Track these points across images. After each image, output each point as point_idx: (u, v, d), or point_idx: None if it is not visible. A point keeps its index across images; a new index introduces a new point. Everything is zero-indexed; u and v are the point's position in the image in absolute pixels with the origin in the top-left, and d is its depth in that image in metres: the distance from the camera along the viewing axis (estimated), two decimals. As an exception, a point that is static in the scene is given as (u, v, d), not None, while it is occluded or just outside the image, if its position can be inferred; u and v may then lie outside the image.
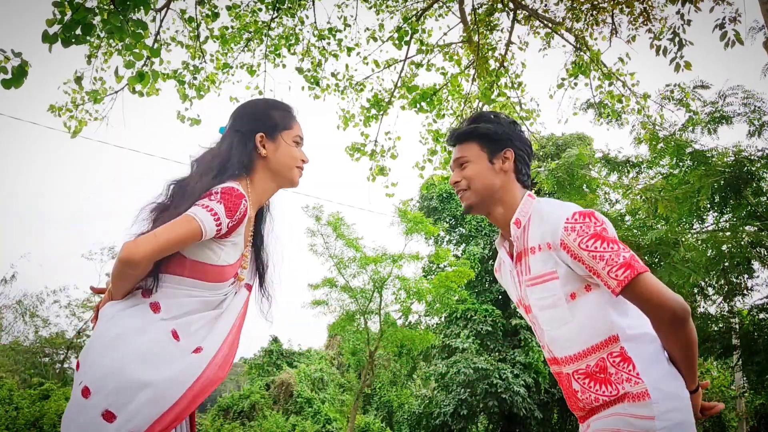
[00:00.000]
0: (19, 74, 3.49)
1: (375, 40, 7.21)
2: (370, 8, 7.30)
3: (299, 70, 7.17)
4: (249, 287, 1.81)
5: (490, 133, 1.73)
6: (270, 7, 6.90)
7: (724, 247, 6.98)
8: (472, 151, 1.74)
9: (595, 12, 6.95)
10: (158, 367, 1.49)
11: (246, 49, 7.23)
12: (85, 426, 1.43)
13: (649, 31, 6.38)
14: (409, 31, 6.78)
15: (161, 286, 1.59)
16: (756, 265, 7.54)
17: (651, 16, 6.49)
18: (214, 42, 6.94)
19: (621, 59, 6.94)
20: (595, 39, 7.07)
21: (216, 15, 6.50)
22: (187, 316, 1.61)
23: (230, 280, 1.70)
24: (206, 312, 1.65)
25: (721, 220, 8.10)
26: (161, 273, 1.60)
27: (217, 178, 1.66)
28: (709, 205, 7.72)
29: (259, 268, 1.85)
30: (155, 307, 1.58)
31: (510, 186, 1.73)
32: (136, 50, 4.23)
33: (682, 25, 5.52)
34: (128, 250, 1.49)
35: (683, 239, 6.97)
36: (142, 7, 3.72)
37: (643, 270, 1.50)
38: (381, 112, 7.37)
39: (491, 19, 7.23)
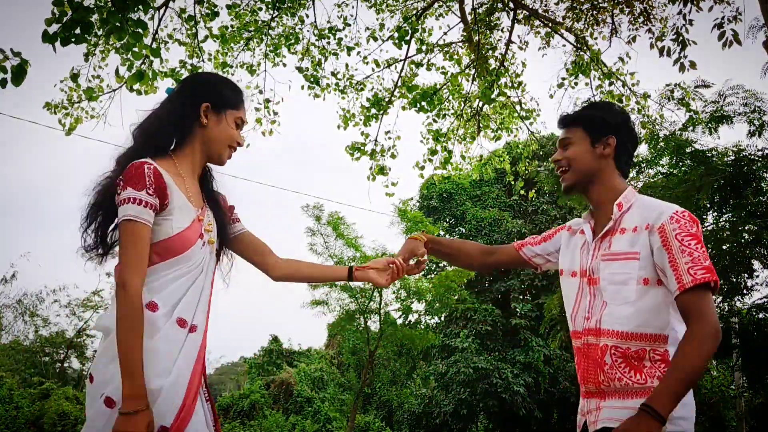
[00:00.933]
0: (19, 73, 3.48)
1: (375, 39, 7.20)
2: (371, 7, 7.30)
3: (299, 69, 7.16)
4: (215, 251, 1.82)
5: (596, 119, 1.83)
6: (270, 6, 6.90)
7: (724, 246, 6.98)
8: (577, 133, 1.85)
9: (595, 12, 6.94)
10: (170, 365, 1.55)
11: (246, 48, 7.22)
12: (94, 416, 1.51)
13: (650, 31, 6.37)
14: (410, 31, 6.78)
15: (145, 285, 1.58)
16: (756, 264, 7.53)
17: (651, 16, 6.48)
18: (214, 41, 6.93)
19: (621, 59, 6.93)
20: (595, 39, 7.07)
21: (215, 14, 6.49)
22: (183, 297, 1.64)
23: (198, 243, 1.69)
24: (195, 285, 1.67)
25: (721, 220, 8.10)
26: None
27: (148, 144, 1.70)
28: (709, 205, 7.72)
29: (219, 230, 1.84)
30: (153, 307, 1.59)
31: (609, 170, 1.82)
32: (136, 49, 4.23)
33: (685, 25, 5.51)
34: (126, 292, 1.52)
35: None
36: (141, 7, 3.72)
37: (715, 283, 1.59)
38: (381, 112, 7.36)
39: (491, 18, 7.22)
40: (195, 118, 1.75)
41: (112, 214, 1.67)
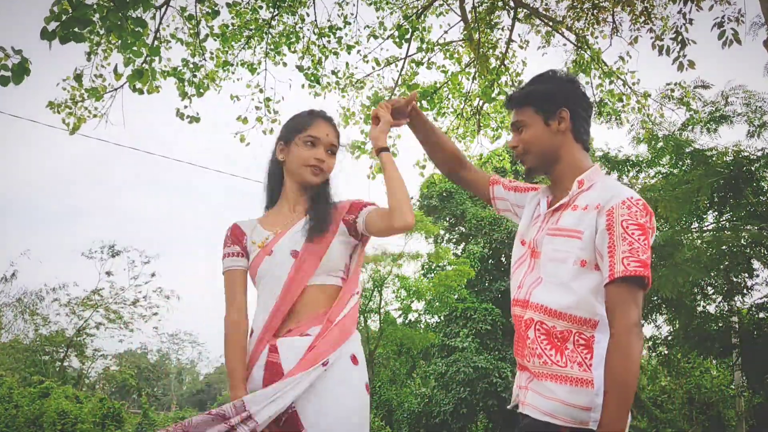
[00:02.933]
0: (20, 72, 3.48)
1: (375, 37, 7.20)
2: (370, 5, 7.29)
3: (300, 68, 7.16)
4: (294, 253, 1.91)
5: (544, 95, 1.73)
6: (270, 4, 6.89)
7: (724, 247, 6.98)
8: (527, 114, 1.75)
9: (595, 11, 6.95)
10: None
11: (246, 46, 7.22)
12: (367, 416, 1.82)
13: (651, 30, 6.37)
14: (410, 29, 6.77)
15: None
16: (756, 264, 7.54)
17: (652, 15, 6.49)
18: (215, 40, 6.93)
19: (621, 58, 6.94)
20: (596, 37, 7.07)
21: (216, 13, 6.49)
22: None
23: (264, 261, 1.94)
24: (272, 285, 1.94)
25: (720, 220, 8.10)
26: None
27: (266, 198, 2.08)
28: (708, 205, 7.72)
29: (313, 226, 1.94)
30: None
31: (568, 145, 1.73)
32: (135, 48, 4.23)
33: (685, 24, 5.52)
34: (228, 326, 1.91)
35: (686, 239, 6.98)
36: (141, 5, 3.72)
37: (647, 279, 1.52)
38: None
39: (492, 17, 7.22)
40: (275, 158, 2.01)
41: None
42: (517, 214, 1.94)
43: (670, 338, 8.93)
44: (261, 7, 6.97)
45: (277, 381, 1.72)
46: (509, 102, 1.81)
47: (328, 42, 7.17)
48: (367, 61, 7.32)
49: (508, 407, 1.78)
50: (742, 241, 7.06)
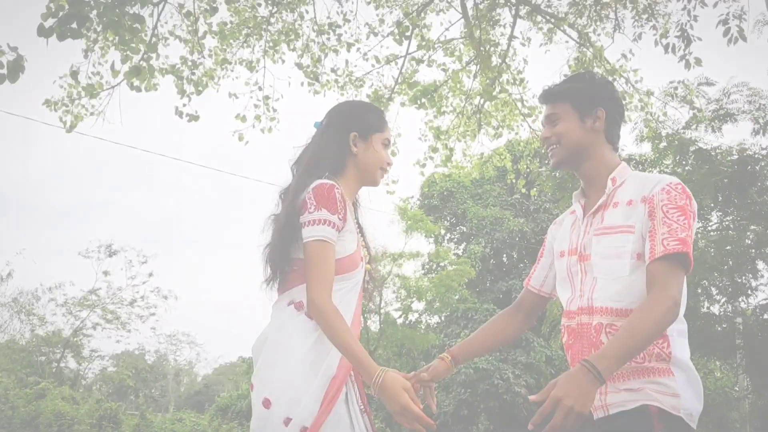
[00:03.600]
0: (15, 69, 3.48)
1: (375, 35, 7.19)
2: (369, 2, 7.28)
3: (299, 65, 7.15)
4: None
5: (583, 93, 1.79)
6: (269, 2, 6.89)
7: (728, 247, 6.98)
8: (564, 109, 1.80)
9: (598, 7, 6.94)
10: (319, 369, 1.65)
11: (245, 44, 7.21)
12: None
13: (654, 27, 6.36)
14: (410, 27, 6.77)
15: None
16: (761, 264, 7.54)
17: (655, 12, 6.48)
18: (213, 37, 6.92)
19: (624, 55, 6.93)
20: (598, 35, 7.06)
21: (214, 9, 6.48)
22: (339, 309, 1.72)
23: (361, 265, 1.84)
24: (351, 302, 1.79)
25: (725, 220, 8.09)
26: (304, 282, 1.72)
27: (313, 176, 1.80)
28: (713, 205, 7.72)
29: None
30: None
31: (600, 144, 1.79)
32: (133, 45, 4.22)
33: (689, 21, 5.51)
34: (316, 307, 1.65)
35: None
36: (138, 2, 3.72)
37: (689, 257, 1.55)
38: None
39: (493, 14, 7.21)
40: (345, 148, 1.87)
41: (287, 248, 1.77)
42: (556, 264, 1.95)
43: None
44: (260, 5, 6.97)
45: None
46: (545, 95, 1.86)
47: (328, 39, 7.16)
48: (367, 59, 7.32)
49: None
50: (747, 242, 7.06)
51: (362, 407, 1.74)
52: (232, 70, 7.17)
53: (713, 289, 8.01)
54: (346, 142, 1.87)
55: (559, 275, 1.84)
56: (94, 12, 3.69)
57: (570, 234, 1.82)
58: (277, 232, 1.80)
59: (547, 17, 7.18)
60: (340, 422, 1.64)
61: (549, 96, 1.84)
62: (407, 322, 18.94)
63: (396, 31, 6.72)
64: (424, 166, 7.71)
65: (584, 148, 1.78)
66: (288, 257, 1.77)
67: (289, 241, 1.76)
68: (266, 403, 1.59)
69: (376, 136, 1.91)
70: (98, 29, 5.46)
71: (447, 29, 7.32)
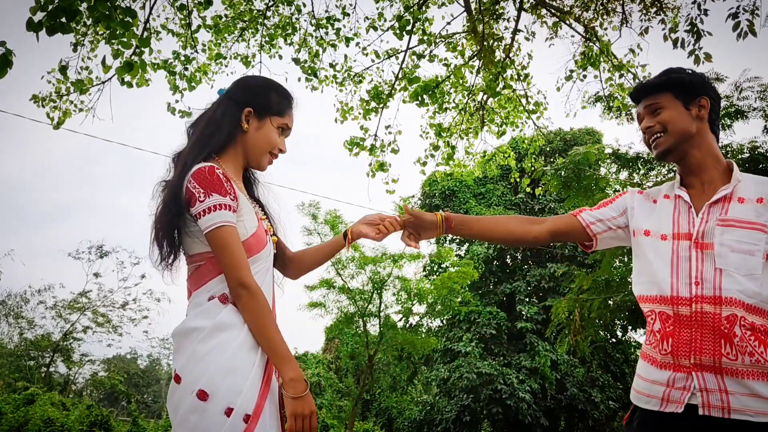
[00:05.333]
0: (3, 64, 3.48)
1: (375, 29, 7.19)
2: (370, -4, 7.28)
3: (296, 60, 7.16)
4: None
5: (684, 82, 1.82)
6: (265, -6, 6.89)
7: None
8: (666, 98, 1.83)
9: (604, 0, 6.94)
10: (255, 357, 1.68)
11: (240, 38, 7.22)
12: (208, 427, 1.60)
13: (662, 21, 6.36)
14: (411, 20, 6.77)
15: (227, 286, 1.71)
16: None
17: (663, 6, 6.48)
18: (207, 31, 6.93)
19: (632, 50, 6.92)
20: (605, 29, 7.06)
21: (209, 3, 6.48)
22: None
23: (268, 240, 1.83)
24: (265, 283, 1.79)
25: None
26: (219, 274, 1.72)
27: (204, 148, 1.80)
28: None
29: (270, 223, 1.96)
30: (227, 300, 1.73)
31: (706, 133, 1.82)
32: (124, 39, 4.23)
33: (699, 15, 5.50)
34: (247, 289, 1.66)
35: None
36: (130, -6, 3.72)
37: None
38: (381, 105, 7.35)
39: (496, 7, 7.21)
40: (237, 122, 1.85)
41: (178, 216, 1.76)
42: (619, 225, 1.96)
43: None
44: (256, -3, 6.97)
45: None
46: (641, 90, 1.88)
47: (326, 34, 7.17)
48: (367, 54, 7.32)
49: (666, 410, 1.67)
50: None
51: (276, 377, 1.78)
52: (226, 66, 7.18)
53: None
54: (239, 117, 1.84)
55: (650, 255, 1.81)
56: (84, 5, 3.69)
57: (674, 217, 1.81)
58: (165, 207, 1.76)
59: (552, 10, 7.18)
60: (273, 402, 1.70)
61: (646, 89, 1.87)
62: (408, 325, 18.94)
63: (396, 25, 6.72)
64: (425, 164, 7.72)
65: (691, 136, 1.80)
66: (173, 237, 1.77)
67: (176, 225, 1.76)
68: (202, 395, 1.59)
69: (273, 119, 1.88)
70: (88, 23, 5.47)
71: (449, 23, 7.33)
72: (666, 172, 9.16)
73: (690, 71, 1.86)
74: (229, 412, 1.57)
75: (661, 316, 1.74)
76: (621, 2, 6.84)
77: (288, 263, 2.07)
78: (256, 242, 1.76)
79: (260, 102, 1.86)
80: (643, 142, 1.95)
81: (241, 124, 1.84)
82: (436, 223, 2.08)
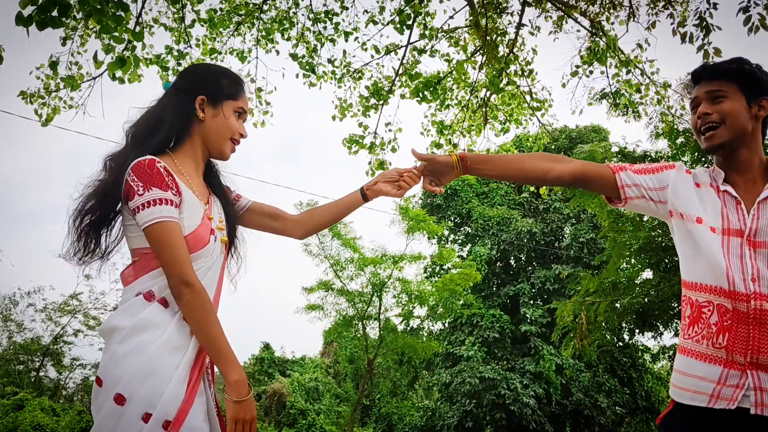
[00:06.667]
0: (-9, 59, 3.48)
1: (375, 23, 7.19)
2: (369, -11, 7.28)
3: (293, 56, 7.15)
4: (227, 247, 1.90)
5: (755, 77, 1.79)
6: (262, -13, 6.89)
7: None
8: (731, 88, 1.80)
9: (611, -6, 6.94)
10: (179, 359, 1.63)
11: (236, 33, 7.22)
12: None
13: (671, 15, 6.36)
14: (412, 14, 6.77)
15: (156, 282, 1.68)
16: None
17: (672, -1, 6.47)
18: (202, 25, 6.93)
19: (639, 45, 6.92)
20: (612, 23, 7.06)
21: (203, -4, 6.49)
22: None
23: (211, 240, 1.77)
24: (205, 283, 1.73)
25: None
26: (150, 271, 1.70)
27: (146, 142, 1.75)
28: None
29: (229, 227, 1.92)
30: (164, 303, 1.69)
31: (758, 134, 1.82)
32: (116, 33, 4.22)
33: (708, 9, 5.50)
34: (189, 287, 1.63)
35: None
36: (123, -13, 3.71)
37: None
38: (381, 102, 7.35)
39: (500, 1, 7.21)
40: (191, 112, 1.81)
41: (108, 216, 1.76)
42: (653, 198, 1.91)
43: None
44: (252, -9, 6.97)
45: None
46: (707, 71, 1.84)
47: (324, 28, 7.16)
48: (366, 49, 7.32)
49: (715, 407, 1.66)
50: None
51: (210, 380, 1.75)
52: (221, 61, 7.17)
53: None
54: (191, 107, 1.81)
55: (704, 244, 1.78)
56: (75, -2, 3.69)
57: (722, 212, 1.80)
58: (100, 199, 1.73)
59: (558, 4, 7.18)
60: (201, 407, 1.64)
61: (713, 73, 1.83)
62: (408, 328, 18.95)
63: (397, 19, 6.72)
64: (426, 162, 7.70)
65: (746, 133, 1.79)
66: (100, 231, 1.77)
67: (108, 219, 1.75)
68: (119, 400, 1.54)
69: (228, 103, 1.85)
70: (79, 17, 5.46)
71: (451, 17, 7.32)
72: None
73: (760, 67, 1.84)
74: (147, 417, 1.53)
75: (719, 308, 1.73)
76: (628, -4, 6.84)
77: (291, 228, 2.06)
78: (193, 242, 1.71)
79: (211, 88, 1.83)
80: (692, 128, 1.90)
81: (197, 114, 1.81)
82: (452, 164, 2.04)
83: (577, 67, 7.24)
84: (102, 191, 1.74)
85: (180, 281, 1.63)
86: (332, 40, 7.21)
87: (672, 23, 6.02)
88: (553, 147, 19.50)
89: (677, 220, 1.85)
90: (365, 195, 2.11)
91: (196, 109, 1.81)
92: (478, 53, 7.43)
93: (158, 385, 1.56)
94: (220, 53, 7.12)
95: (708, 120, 1.81)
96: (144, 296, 1.67)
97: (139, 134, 1.79)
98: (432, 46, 7.18)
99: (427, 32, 7.06)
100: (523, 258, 21.15)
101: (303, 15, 7.20)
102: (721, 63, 1.85)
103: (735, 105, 1.78)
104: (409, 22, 6.83)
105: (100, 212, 1.74)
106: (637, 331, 13.23)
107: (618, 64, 7.09)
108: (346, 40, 7.13)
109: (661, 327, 12.70)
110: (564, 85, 7.44)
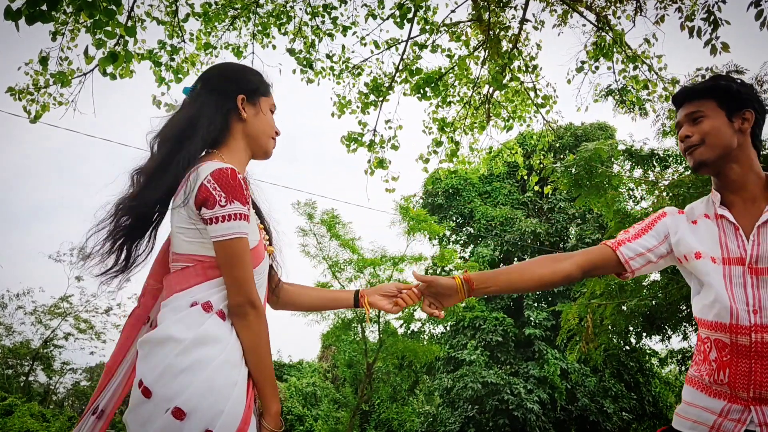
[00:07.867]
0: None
1: (374, 17, 7.18)
2: (369, -18, 7.27)
3: (291, 51, 7.15)
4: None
5: (731, 91, 1.82)
6: (258, -19, 6.88)
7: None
8: (709, 106, 1.83)
9: (618, -12, 6.93)
10: (238, 375, 1.63)
11: (231, 27, 7.21)
12: None
13: (679, 9, 6.36)
14: (412, 8, 6.76)
15: (214, 293, 1.66)
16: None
17: (680, -7, 6.46)
18: (196, 20, 6.92)
19: (647, 40, 6.92)
20: (618, 18, 7.05)
21: (197, -11, 6.48)
22: None
23: (265, 255, 1.81)
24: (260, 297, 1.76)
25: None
26: (208, 280, 1.67)
27: (190, 152, 1.70)
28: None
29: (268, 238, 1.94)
30: (222, 315, 1.67)
31: (747, 148, 1.82)
32: (108, 28, 4.22)
33: (717, 2, 5.50)
34: (255, 310, 1.65)
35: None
36: (114, -20, 3.70)
37: None
38: (380, 99, 7.35)
39: (503, -5, 7.21)
40: (232, 112, 1.79)
41: (143, 233, 1.75)
42: (660, 255, 1.94)
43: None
44: (247, -17, 6.96)
45: None
46: (685, 93, 1.88)
47: (322, 23, 7.16)
48: (365, 44, 7.31)
49: None
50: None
51: (258, 407, 1.76)
52: (216, 56, 7.17)
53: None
54: (233, 107, 1.78)
55: (708, 279, 1.78)
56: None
57: (721, 240, 1.80)
58: (135, 220, 1.71)
59: (563, -2, 7.17)
60: (254, 428, 1.66)
61: (690, 94, 1.86)
62: (409, 332, 18.95)
63: (397, 13, 6.71)
64: (427, 161, 7.71)
65: (731, 150, 1.80)
66: (151, 235, 1.76)
67: (142, 237, 1.73)
68: (178, 414, 1.52)
69: (264, 100, 1.84)
70: (69, 11, 5.46)
71: (453, 11, 7.32)
72: (683, 170, 9.16)
73: (739, 81, 1.87)
74: None
75: (717, 343, 1.74)
76: (635, -11, 6.83)
77: (276, 290, 1.99)
78: (255, 256, 1.71)
79: (247, 86, 1.82)
80: (680, 150, 1.95)
81: (239, 113, 1.78)
82: (456, 287, 2.02)
83: (583, 62, 7.23)
84: (135, 207, 1.71)
85: (247, 301, 1.63)
86: (330, 35, 7.20)
87: (680, 17, 6.01)
88: (557, 145, 19.50)
89: (683, 263, 1.89)
90: (357, 302, 2.11)
91: (238, 108, 1.79)
92: (481, 48, 7.43)
93: (219, 403, 1.55)
94: (215, 48, 7.12)
95: (689, 142, 1.85)
96: (202, 306, 1.64)
97: (175, 142, 1.73)
98: (433, 41, 7.17)
99: (428, 27, 7.05)
100: (526, 259, 21.15)
101: (300, 9, 7.19)
102: (698, 83, 1.90)
103: (715, 123, 1.80)
104: (410, 16, 6.82)
105: (135, 229, 1.72)
106: (644, 334, 13.22)
107: (625, 60, 7.08)
108: (345, 35, 7.13)
109: (669, 330, 12.69)
110: (569, 81, 7.44)
